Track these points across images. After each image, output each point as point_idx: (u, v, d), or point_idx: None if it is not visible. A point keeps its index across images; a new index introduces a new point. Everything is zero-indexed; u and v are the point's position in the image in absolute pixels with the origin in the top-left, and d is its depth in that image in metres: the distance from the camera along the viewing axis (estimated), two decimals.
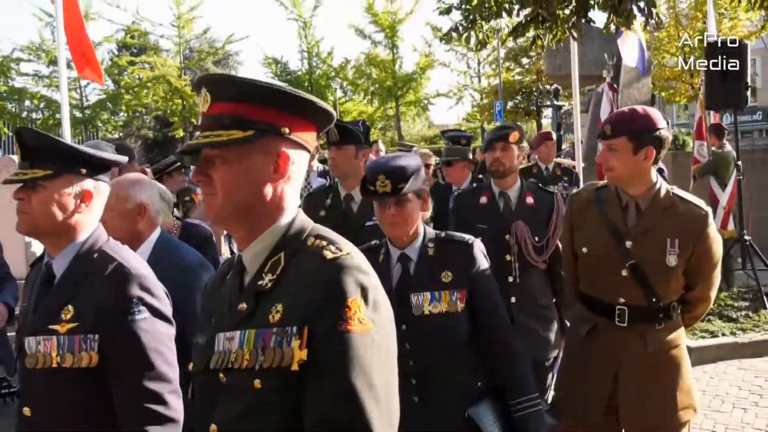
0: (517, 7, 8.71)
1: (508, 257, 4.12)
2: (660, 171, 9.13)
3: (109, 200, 3.07)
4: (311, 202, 4.49)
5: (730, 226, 9.17)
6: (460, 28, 8.80)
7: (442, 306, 2.88)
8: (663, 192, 3.21)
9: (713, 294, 3.37)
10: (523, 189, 4.33)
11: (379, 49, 32.42)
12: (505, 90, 30.85)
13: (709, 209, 3.19)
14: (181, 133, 34.53)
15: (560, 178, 7.85)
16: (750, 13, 16.17)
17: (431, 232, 3.04)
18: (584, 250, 3.36)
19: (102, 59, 31.47)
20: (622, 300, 3.21)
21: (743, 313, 7.73)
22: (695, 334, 7.21)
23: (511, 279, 4.10)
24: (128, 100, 32.49)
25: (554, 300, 4.33)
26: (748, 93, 8.52)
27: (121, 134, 36.07)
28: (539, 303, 4.25)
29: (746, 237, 8.57)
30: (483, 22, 8.99)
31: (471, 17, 8.59)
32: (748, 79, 8.48)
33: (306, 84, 32.10)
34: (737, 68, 8.32)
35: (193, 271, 3.16)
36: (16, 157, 6.73)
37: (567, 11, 8.47)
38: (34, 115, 31.19)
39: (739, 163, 8.88)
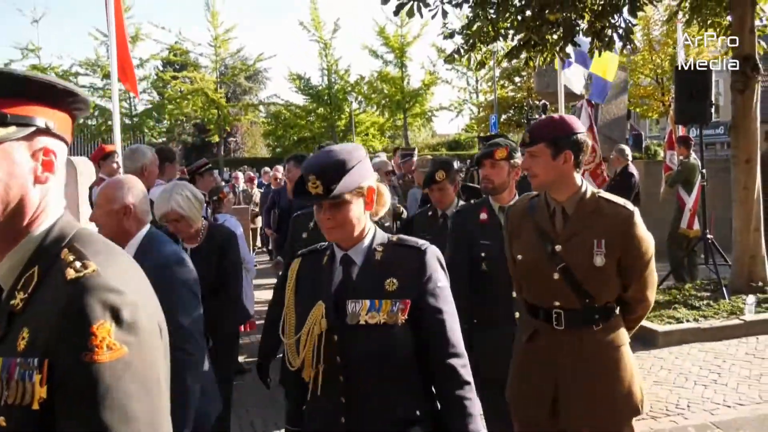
0: (511, 32, 8.73)
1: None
2: (630, 176, 9.23)
3: (99, 200, 3.07)
4: (297, 224, 4.20)
5: (696, 226, 9.15)
6: (462, 51, 8.82)
7: (381, 316, 2.20)
8: (588, 195, 2.92)
9: (650, 294, 3.04)
10: None
11: (390, 68, 32.46)
12: (500, 104, 30.80)
13: (634, 209, 2.87)
14: (216, 138, 34.67)
15: None
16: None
17: (382, 235, 2.38)
18: (519, 257, 3.05)
19: (149, 74, 31.75)
20: (557, 303, 2.92)
21: (705, 302, 7.72)
22: (663, 320, 7.22)
23: (515, 295, 3.60)
24: (171, 110, 32.70)
25: None
26: (712, 110, 8.49)
27: (164, 139, 36.13)
28: None
29: (709, 236, 8.55)
30: (482, 46, 9.01)
31: (471, 41, 8.61)
32: (713, 98, 8.45)
33: (326, 97, 32.16)
34: (703, 89, 8.30)
35: (168, 267, 3.00)
36: (76, 158, 6.76)
37: (555, 36, 8.48)
38: (89, 122, 31.35)
39: (704, 171, 8.85)
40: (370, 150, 29.00)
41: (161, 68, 33.87)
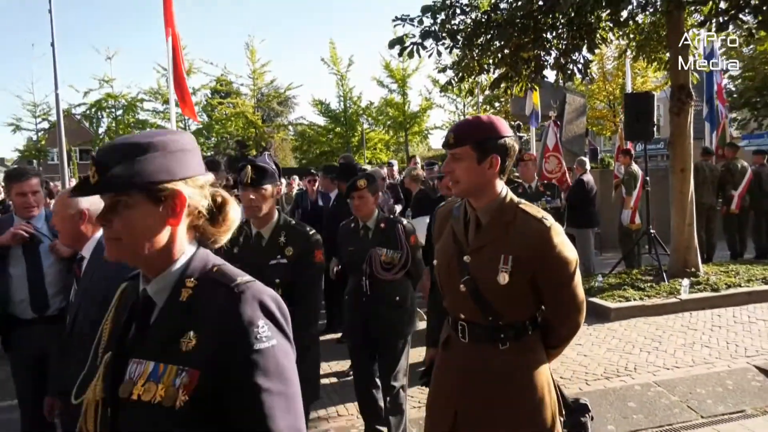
0: (493, 67, 8.76)
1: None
2: (584, 182, 9.21)
3: (56, 207, 2.79)
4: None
5: (637, 220, 9.19)
6: (453, 82, 8.86)
7: (159, 391, 1.17)
8: (507, 204, 2.17)
9: (575, 317, 2.23)
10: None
11: (394, 95, 32.35)
12: None
13: (552, 224, 2.13)
14: (254, 152, 34.63)
15: (543, 193, 6.81)
16: (657, 72, 16.09)
17: (204, 261, 1.31)
18: (435, 262, 2.40)
19: (199, 100, 31.71)
20: (462, 315, 2.23)
21: (649, 284, 7.71)
22: (615, 299, 7.21)
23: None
24: (217, 129, 32.72)
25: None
26: (655, 129, 8.47)
27: (212, 153, 36.14)
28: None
29: (652, 231, 8.54)
30: (469, 78, 9.04)
31: (460, 74, 8.65)
32: (655, 119, 8.43)
33: (342, 119, 32.18)
34: (647, 111, 8.28)
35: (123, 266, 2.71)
36: None
37: (528, 71, 8.50)
38: None
39: (648, 178, 8.84)
40: (377, 161, 29.00)
41: (210, 95, 33.81)
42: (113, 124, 29.48)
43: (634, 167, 9.39)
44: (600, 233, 10.66)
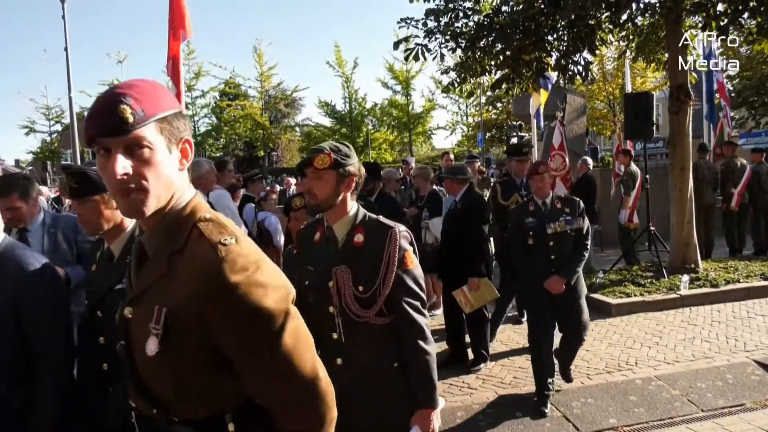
0: (495, 69, 8.74)
1: (330, 309, 2.20)
2: (589, 179, 9.18)
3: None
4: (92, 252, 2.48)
5: (635, 219, 9.17)
6: (456, 83, 8.83)
7: None
8: (182, 220, 1.29)
9: (313, 411, 1.31)
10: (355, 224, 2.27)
11: (398, 96, 32.37)
12: (485, 125, 30.69)
13: (240, 253, 1.20)
14: (261, 153, 34.83)
15: (561, 211, 4.53)
16: (656, 72, 16.05)
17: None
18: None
19: (209, 102, 31.85)
20: (133, 404, 1.39)
21: (649, 280, 7.68)
22: (615, 295, 7.19)
23: (335, 336, 2.20)
24: (226, 131, 32.87)
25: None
26: (654, 128, 8.44)
27: (221, 153, 36.27)
28: (371, 365, 2.20)
29: (652, 228, 8.51)
30: (471, 79, 9.03)
31: (463, 76, 8.63)
32: (654, 118, 8.40)
33: (347, 120, 32.20)
34: (646, 111, 8.25)
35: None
36: None
37: (529, 72, 8.49)
38: None
39: (647, 176, 8.82)
40: (382, 161, 28.98)
41: (219, 98, 33.91)
42: None
43: (634, 167, 9.38)
44: (601, 231, 10.63)
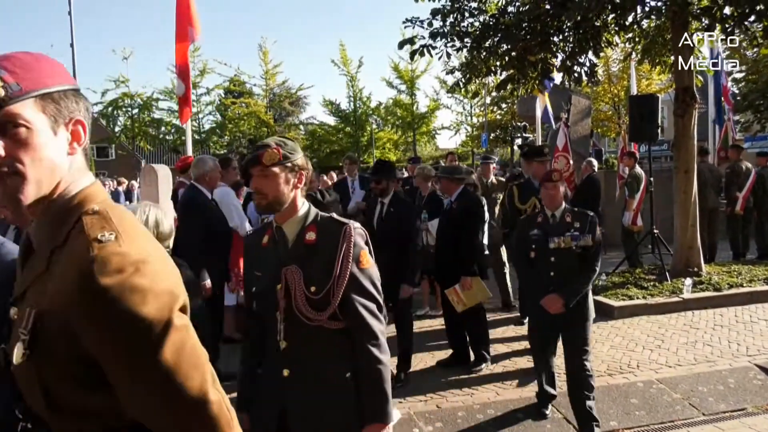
0: (500, 69, 8.73)
1: (278, 314, 2.04)
2: (594, 180, 9.16)
3: None
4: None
5: (639, 222, 9.14)
6: (461, 83, 8.83)
7: None
8: (70, 209, 1.13)
9: None
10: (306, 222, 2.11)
11: (402, 96, 32.32)
12: (490, 125, 30.64)
13: (113, 252, 1.03)
14: None
15: (570, 225, 4.22)
16: (662, 75, 16.00)
17: None
18: None
19: (213, 99, 31.90)
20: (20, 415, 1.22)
21: (652, 283, 7.67)
22: (618, 297, 7.18)
23: (283, 345, 2.04)
24: (231, 128, 32.82)
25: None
26: (659, 130, 8.42)
27: (225, 151, 36.30)
28: (321, 377, 2.05)
29: (655, 231, 8.49)
30: (476, 79, 9.02)
31: (468, 76, 8.62)
32: (659, 121, 8.37)
33: (352, 119, 32.18)
34: (651, 113, 8.23)
35: None
36: (156, 165, 6.82)
37: (535, 73, 8.48)
38: (167, 137, 31.65)
39: (652, 179, 8.80)
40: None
41: (223, 95, 33.92)
42: (129, 122, 29.68)
43: (638, 170, 9.35)
44: (605, 233, 10.60)
